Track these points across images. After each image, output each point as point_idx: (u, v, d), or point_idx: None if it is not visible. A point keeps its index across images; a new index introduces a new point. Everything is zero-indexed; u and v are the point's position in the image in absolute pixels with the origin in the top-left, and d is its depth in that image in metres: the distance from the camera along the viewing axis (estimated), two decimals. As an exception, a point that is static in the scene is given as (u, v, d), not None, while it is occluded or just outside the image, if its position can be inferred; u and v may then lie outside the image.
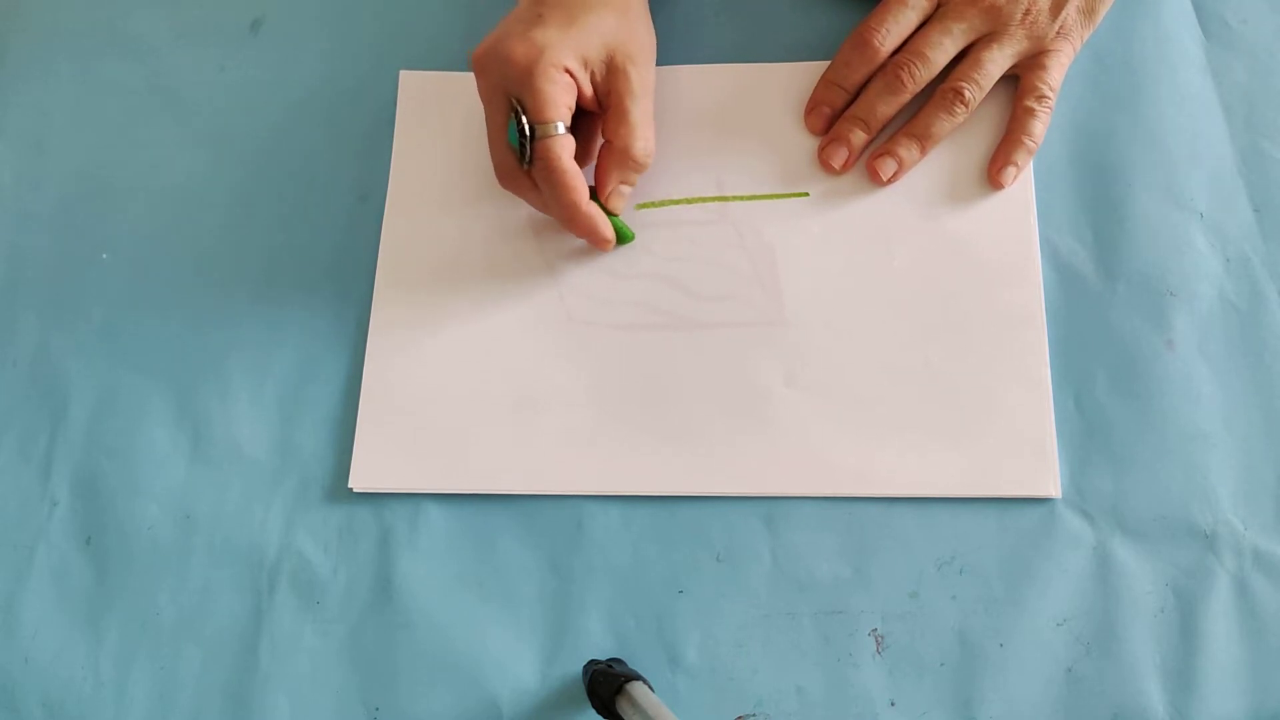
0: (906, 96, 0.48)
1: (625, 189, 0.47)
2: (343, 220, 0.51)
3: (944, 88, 0.48)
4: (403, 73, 0.54)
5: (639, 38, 0.47)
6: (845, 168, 0.49)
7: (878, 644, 0.44)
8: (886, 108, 0.49)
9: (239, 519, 0.47)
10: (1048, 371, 0.46)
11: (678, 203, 0.49)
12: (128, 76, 0.55)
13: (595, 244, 0.48)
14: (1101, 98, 0.50)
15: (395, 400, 0.48)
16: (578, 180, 0.45)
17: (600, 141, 0.48)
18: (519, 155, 0.45)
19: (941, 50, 0.48)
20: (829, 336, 0.47)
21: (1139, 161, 0.49)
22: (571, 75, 0.44)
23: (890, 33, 0.48)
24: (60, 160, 0.54)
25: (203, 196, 0.53)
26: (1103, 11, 0.48)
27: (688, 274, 0.49)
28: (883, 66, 0.48)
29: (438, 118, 0.52)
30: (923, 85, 0.48)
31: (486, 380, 0.48)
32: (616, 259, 0.49)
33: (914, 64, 0.48)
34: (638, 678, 0.41)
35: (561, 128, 0.44)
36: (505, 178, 0.47)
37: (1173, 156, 0.49)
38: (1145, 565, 0.44)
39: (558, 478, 0.46)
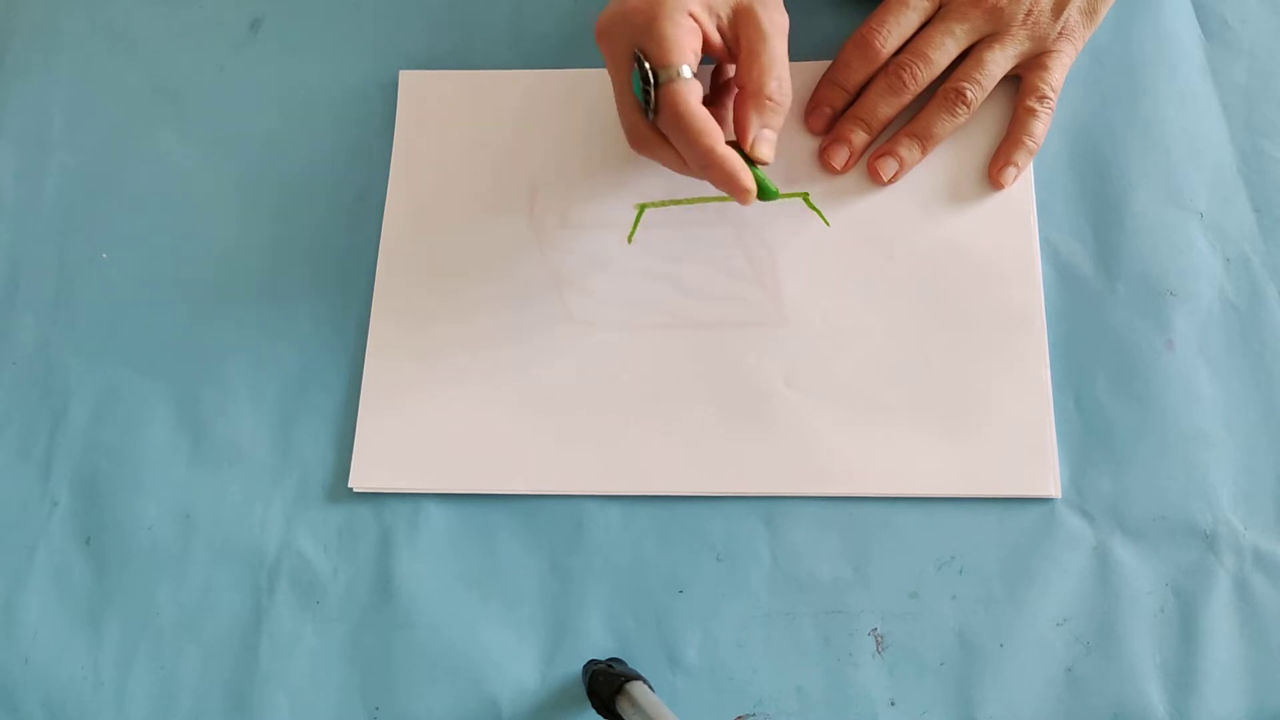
0: (908, 97, 0.48)
1: (769, 134, 0.44)
2: (343, 220, 0.51)
3: (945, 88, 0.48)
4: (403, 73, 0.54)
5: None
6: (846, 168, 0.49)
7: (878, 644, 0.44)
8: (888, 108, 0.49)
9: (239, 519, 0.47)
10: (1048, 371, 0.46)
11: (678, 203, 0.49)
12: (128, 76, 0.55)
13: (735, 194, 0.43)
14: (1101, 98, 0.50)
15: (395, 400, 0.48)
16: (708, 123, 0.42)
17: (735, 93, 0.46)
18: (643, 107, 0.43)
19: (943, 51, 0.48)
20: (829, 336, 0.47)
21: (1139, 161, 0.49)
22: (696, 20, 0.43)
23: (892, 33, 0.48)
24: (60, 160, 0.54)
25: (202, 196, 0.53)
26: (1104, 11, 0.48)
27: (688, 274, 0.49)
28: (884, 67, 0.48)
29: (438, 118, 0.52)
30: (924, 86, 0.48)
31: (486, 380, 0.48)
32: (617, 259, 0.49)
33: (916, 64, 0.48)
34: (638, 678, 0.41)
35: (687, 71, 0.42)
36: (636, 140, 0.46)
37: (1173, 156, 0.49)
38: (1145, 565, 0.44)
39: (558, 478, 0.46)
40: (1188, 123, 0.50)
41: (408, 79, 0.53)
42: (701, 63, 0.45)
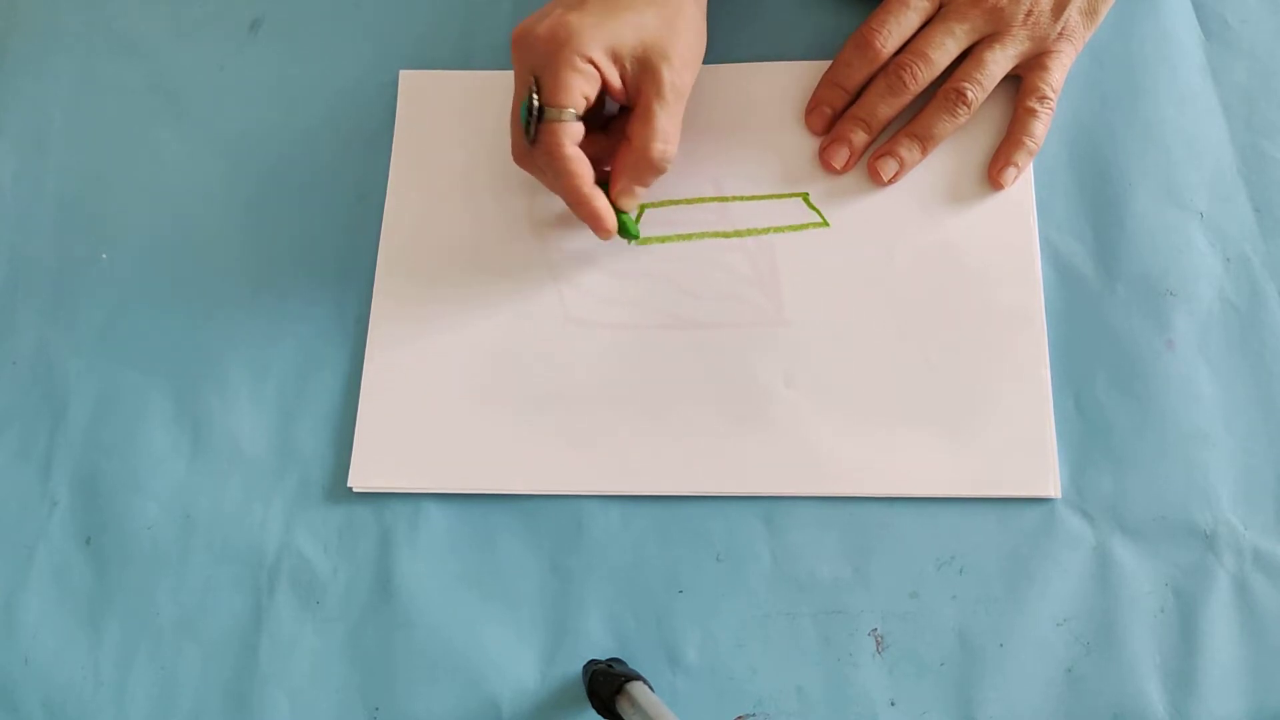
0: (908, 97, 0.48)
1: (638, 189, 0.47)
2: (343, 220, 0.51)
3: (946, 88, 0.48)
4: (403, 73, 0.54)
5: (682, 39, 0.45)
6: (846, 168, 0.49)
7: (878, 644, 0.44)
8: (888, 108, 0.49)
9: (239, 519, 0.47)
10: (1048, 371, 0.46)
11: (678, 203, 0.49)
12: (128, 76, 0.55)
13: (595, 231, 0.46)
14: (1101, 98, 0.50)
15: (395, 399, 0.48)
16: (579, 165, 0.44)
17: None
18: (525, 132, 0.44)
19: (944, 51, 0.48)
20: (829, 336, 0.47)
21: (1139, 161, 0.49)
22: (596, 66, 0.43)
23: (892, 33, 0.48)
24: (60, 160, 0.54)
25: (202, 196, 0.53)
26: (1104, 12, 0.48)
27: (688, 274, 0.49)
28: (884, 67, 0.48)
29: (438, 117, 0.52)
30: (924, 86, 0.48)
31: (486, 380, 0.48)
32: (617, 259, 0.49)
33: (916, 64, 0.48)
34: (638, 678, 0.41)
35: (572, 114, 0.43)
36: (517, 155, 0.47)
37: (1173, 156, 0.49)
38: (1145, 565, 0.44)
39: (558, 478, 0.46)
40: (1188, 123, 0.50)
41: (408, 79, 0.53)
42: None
